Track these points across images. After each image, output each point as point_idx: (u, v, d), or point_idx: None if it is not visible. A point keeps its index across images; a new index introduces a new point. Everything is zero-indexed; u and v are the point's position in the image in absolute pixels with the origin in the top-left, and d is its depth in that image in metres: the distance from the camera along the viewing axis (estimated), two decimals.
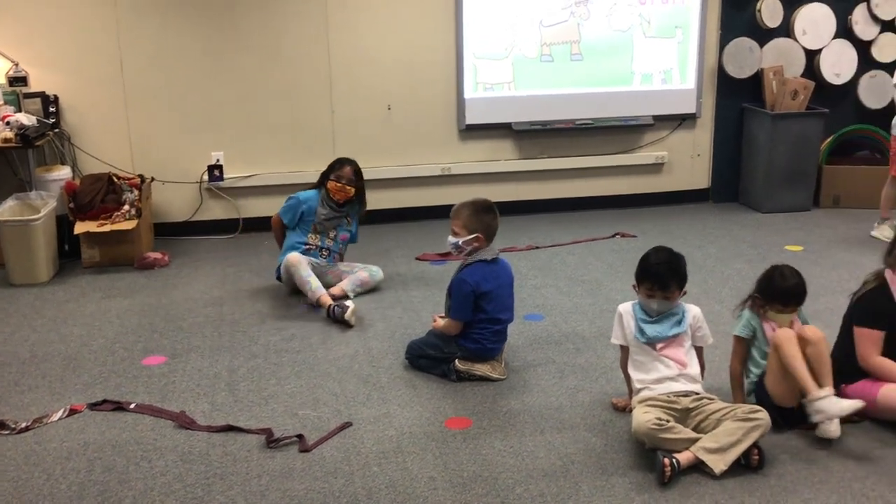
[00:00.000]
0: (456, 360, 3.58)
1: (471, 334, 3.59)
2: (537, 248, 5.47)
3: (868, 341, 3.17)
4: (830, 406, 2.96)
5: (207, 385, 3.60)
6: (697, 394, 3.04)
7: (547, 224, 5.98)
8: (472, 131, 6.03)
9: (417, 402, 3.42)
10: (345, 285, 4.57)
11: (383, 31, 5.74)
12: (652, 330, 3.09)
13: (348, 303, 4.26)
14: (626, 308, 3.19)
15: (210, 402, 3.45)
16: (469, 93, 5.93)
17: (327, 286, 4.49)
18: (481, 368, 3.59)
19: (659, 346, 3.08)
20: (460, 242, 3.65)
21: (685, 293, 3.16)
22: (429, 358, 3.66)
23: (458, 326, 3.61)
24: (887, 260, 3.25)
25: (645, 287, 3.11)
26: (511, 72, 5.94)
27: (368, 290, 4.64)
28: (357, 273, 4.66)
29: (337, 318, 4.19)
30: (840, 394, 3.10)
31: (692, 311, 3.17)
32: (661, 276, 3.08)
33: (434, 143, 5.99)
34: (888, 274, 3.23)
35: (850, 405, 2.95)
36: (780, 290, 3.19)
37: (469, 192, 5.88)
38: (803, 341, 3.08)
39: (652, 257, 3.14)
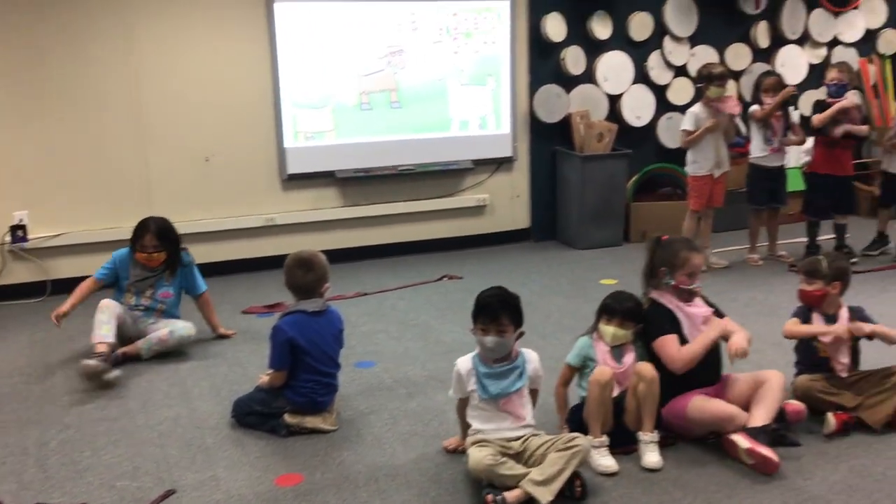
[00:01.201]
0: (285, 415, 3.49)
1: (299, 387, 3.52)
2: (366, 294, 5.47)
3: (669, 345, 3.35)
4: (597, 459, 3.14)
5: (14, 462, 3.33)
6: (524, 435, 3.10)
7: (375, 270, 6.00)
8: (296, 180, 5.98)
9: (246, 462, 3.31)
10: (141, 344, 4.34)
11: (197, 80, 5.62)
12: (495, 387, 3.09)
13: (115, 372, 4.04)
14: (465, 364, 3.17)
15: (18, 480, 3.19)
16: (290, 142, 5.89)
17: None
18: (312, 421, 3.52)
19: (502, 401, 3.11)
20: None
21: (522, 333, 3.20)
22: (256, 414, 3.55)
23: (281, 377, 3.54)
24: (652, 282, 3.51)
25: (479, 324, 3.12)
26: (331, 120, 5.96)
27: (172, 348, 4.39)
28: (158, 332, 4.40)
29: (93, 371, 3.96)
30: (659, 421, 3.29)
31: (532, 361, 3.21)
32: (492, 308, 3.10)
33: (256, 194, 5.90)
34: (654, 294, 3.47)
35: (606, 465, 3.13)
36: (604, 304, 3.40)
37: (295, 242, 5.85)
38: (638, 376, 3.24)
39: (485, 293, 3.19)
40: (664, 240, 3.57)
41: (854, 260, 5.71)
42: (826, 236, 5.97)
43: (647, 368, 3.26)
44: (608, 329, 3.37)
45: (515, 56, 6.32)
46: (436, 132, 6.25)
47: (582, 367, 3.41)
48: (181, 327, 4.46)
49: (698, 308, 3.45)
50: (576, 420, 3.33)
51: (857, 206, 6.57)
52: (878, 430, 3.37)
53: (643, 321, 3.41)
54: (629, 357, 3.38)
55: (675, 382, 3.35)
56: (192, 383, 4.09)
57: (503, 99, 6.38)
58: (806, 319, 3.65)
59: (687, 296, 3.45)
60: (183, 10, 5.54)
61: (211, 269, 5.65)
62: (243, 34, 5.69)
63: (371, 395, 3.91)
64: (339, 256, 6.06)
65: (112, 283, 4.49)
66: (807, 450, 3.26)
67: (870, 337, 3.56)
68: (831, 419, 3.37)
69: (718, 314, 3.50)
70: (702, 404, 3.28)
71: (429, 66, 6.12)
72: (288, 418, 3.49)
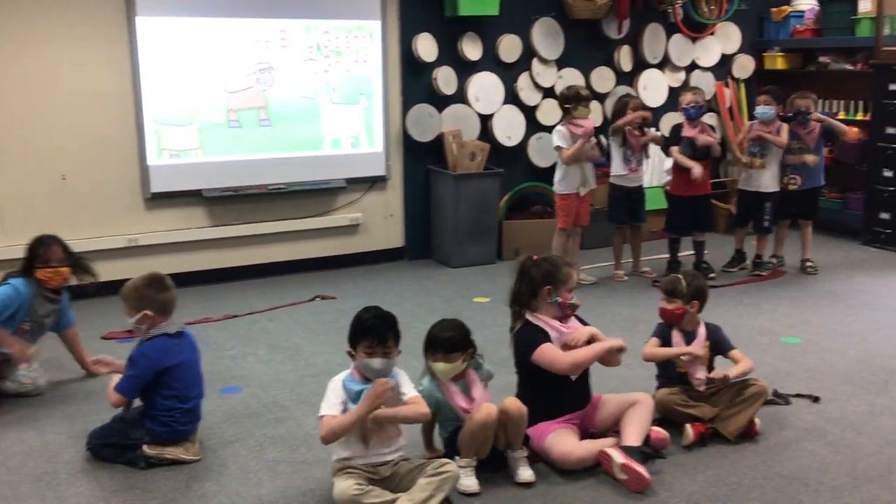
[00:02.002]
0: (144, 446, 3.34)
1: (159, 416, 3.37)
2: (235, 316, 5.32)
3: (549, 352, 3.36)
4: (463, 479, 3.12)
5: None
6: (394, 460, 3.06)
7: (245, 291, 5.86)
8: (160, 199, 5.78)
9: (101, 498, 3.14)
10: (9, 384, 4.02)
11: (53, 95, 5.37)
12: None
13: None
14: (338, 383, 3.08)
15: None
16: (153, 160, 5.70)
17: None
18: (173, 451, 3.38)
19: (372, 424, 3.03)
20: (133, 323, 3.44)
21: (400, 352, 3.16)
22: (113, 446, 3.38)
23: (119, 400, 3.39)
24: (531, 303, 3.48)
25: (364, 346, 3.04)
26: (197, 138, 5.80)
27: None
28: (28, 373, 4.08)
29: None
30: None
31: (401, 376, 3.16)
32: (379, 330, 3.04)
33: (117, 213, 5.66)
34: (529, 315, 3.48)
35: (467, 485, 3.13)
36: (427, 339, 3.30)
37: (159, 263, 5.64)
38: (504, 413, 3.21)
39: (365, 314, 3.11)
40: (536, 259, 3.55)
41: (712, 275, 5.97)
42: (687, 252, 6.21)
43: (514, 406, 3.22)
44: (437, 367, 3.26)
45: (388, 75, 6.33)
46: (307, 150, 6.18)
47: (436, 412, 3.29)
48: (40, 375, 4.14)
49: (571, 328, 3.47)
50: (448, 448, 3.30)
51: (715, 223, 6.87)
52: (732, 440, 3.50)
53: (471, 346, 3.32)
54: (478, 389, 3.31)
55: (544, 405, 3.37)
56: (45, 414, 3.86)
57: (376, 118, 6.37)
58: (666, 337, 3.74)
59: (569, 312, 3.48)
60: (39, 21, 5.28)
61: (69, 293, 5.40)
62: (103, 48, 5.47)
63: (237, 422, 3.80)
64: (207, 278, 5.94)
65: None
66: (667, 462, 3.35)
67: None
68: (689, 431, 3.49)
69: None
70: (554, 441, 3.31)
71: (299, 83, 6.05)
72: (147, 450, 3.34)
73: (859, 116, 7.04)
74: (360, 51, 6.21)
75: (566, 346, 3.42)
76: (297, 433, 3.68)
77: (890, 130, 6.54)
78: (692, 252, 6.16)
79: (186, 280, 5.88)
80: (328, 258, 6.41)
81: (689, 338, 3.73)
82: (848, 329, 4.89)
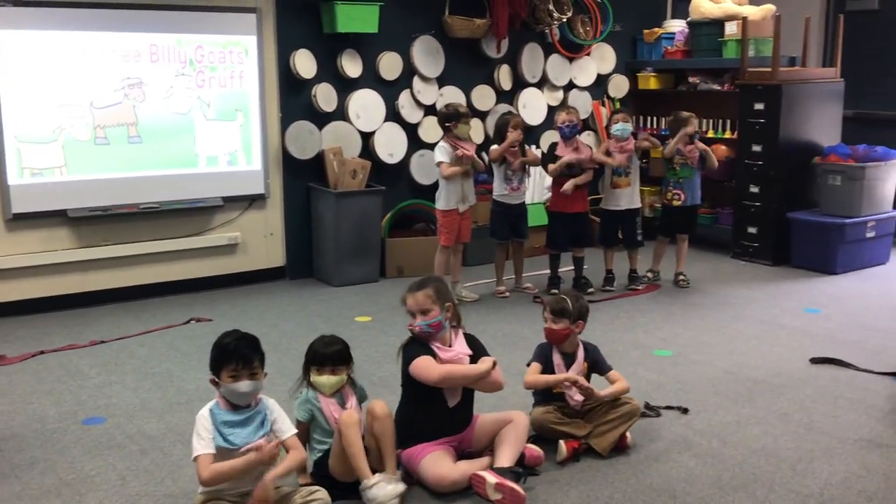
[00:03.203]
0: None
1: None
2: (102, 342, 5.08)
3: (424, 361, 3.32)
4: (378, 493, 3.08)
5: None
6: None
7: (115, 315, 5.62)
8: (22, 220, 5.49)
9: None
10: None
11: None
12: (237, 437, 2.91)
13: None
14: (205, 415, 2.94)
15: None
16: (14, 179, 5.40)
17: None
18: None
19: (237, 452, 2.91)
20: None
21: (266, 374, 3.06)
22: None
23: None
24: None
25: (228, 370, 2.92)
26: (62, 156, 5.54)
27: None
28: None
29: None
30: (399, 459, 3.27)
31: (273, 409, 3.05)
32: (243, 352, 2.93)
33: None
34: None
35: (393, 490, 3.09)
36: (312, 353, 3.27)
37: (22, 287, 5.38)
38: (370, 416, 3.19)
39: (226, 338, 2.99)
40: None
41: (591, 290, 6.08)
42: (567, 268, 6.31)
43: (379, 406, 3.22)
44: (323, 381, 3.23)
45: (265, 92, 6.21)
46: (181, 168, 5.99)
47: (310, 420, 3.26)
48: None
49: (449, 352, 3.42)
50: (317, 473, 3.22)
51: (594, 239, 7.00)
52: (605, 455, 3.55)
53: (352, 360, 3.33)
54: (352, 401, 3.28)
55: (423, 427, 3.34)
56: None
57: (253, 135, 6.24)
58: (547, 360, 3.75)
59: (427, 336, 3.43)
60: None
61: None
62: None
63: (98, 455, 3.60)
64: (73, 302, 5.68)
65: None
66: (541, 479, 3.37)
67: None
68: (563, 447, 3.51)
69: (478, 354, 3.49)
70: (429, 464, 3.27)
71: (172, 99, 5.86)
72: None
73: (727, 135, 7.34)
74: (236, 66, 6.07)
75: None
76: (162, 465, 3.52)
77: (755, 148, 6.83)
78: (572, 267, 6.27)
79: (51, 305, 5.64)
80: (205, 279, 6.22)
81: (569, 359, 3.75)
82: (716, 341, 5.06)
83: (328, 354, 3.25)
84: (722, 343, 5.02)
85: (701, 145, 6.21)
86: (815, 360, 4.67)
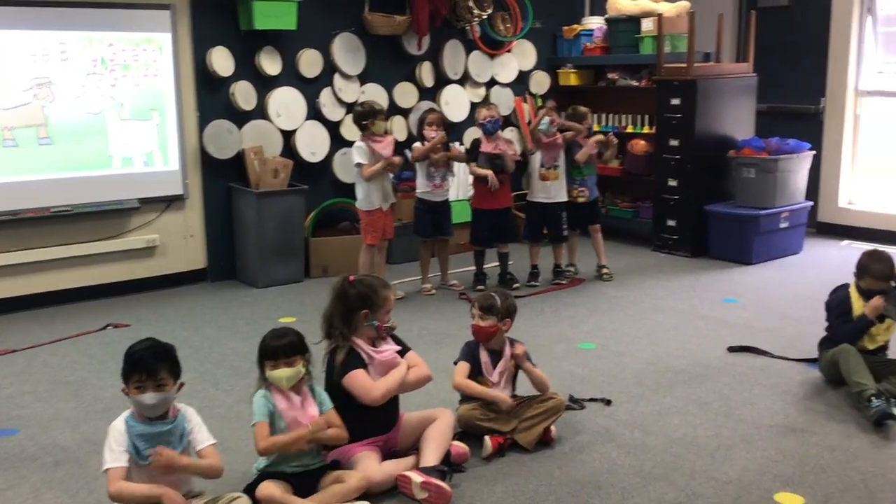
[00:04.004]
0: None
1: None
2: (13, 351, 4.90)
3: (362, 380, 3.30)
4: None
5: None
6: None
7: (26, 323, 5.42)
8: None
9: None
10: None
11: None
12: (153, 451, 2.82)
13: None
14: (119, 427, 2.85)
15: None
16: None
17: None
18: None
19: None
20: None
21: (182, 385, 2.97)
22: None
23: None
24: (349, 327, 3.41)
25: (133, 381, 2.83)
26: None
27: None
28: None
29: None
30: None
31: (192, 419, 2.96)
32: (148, 362, 2.82)
33: None
34: (354, 341, 3.41)
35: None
36: (263, 347, 3.17)
37: None
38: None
39: (134, 346, 2.90)
40: (353, 280, 3.46)
41: (516, 286, 6.12)
42: (492, 264, 6.33)
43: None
44: (279, 374, 3.13)
45: (181, 90, 6.07)
46: (95, 170, 5.81)
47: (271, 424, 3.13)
48: None
49: (383, 352, 3.41)
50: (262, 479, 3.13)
51: (518, 234, 7.05)
52: (530, 449, 3.57)
53: (308, 350, 3.23)
54: (311, 405, 3.19)
55: (350, 428, 3.27)
56: None
57: (170, 134, 6.09)
58: (474, 358, 3.73)
59: (385, 335, 3.42)
60: None
61: None
62: None
63: (10, 468, 3.47)
64: None
65: None
66: (467, 475, 3.37)
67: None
68: (488, 442, 3.52)
69: (404, 349, 3.51)
70: (355, 464, 3.26)
71: (83, 99, 5.68)
72: None
73: (646, 129, 7.47)
74: (150, 64, 5.92)
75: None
76: (78, 476, 3.41)
77: (673, 142, 6.96)
78: (497, 263, 6.29)
79: None
80: (122, 283, 6.05)
81: (496, 357, 3.76)
82: (638, 332, 5.14)
83: (281, 347, 3.13)
84: (644, 334, 5.10)
85: (598, 138, 6.35)
86: (732, 349, 4.78)
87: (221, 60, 6.16)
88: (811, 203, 7.15)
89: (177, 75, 6.03)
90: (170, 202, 6.20)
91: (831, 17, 7.43)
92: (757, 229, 6.65)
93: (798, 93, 7.73)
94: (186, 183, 6.22)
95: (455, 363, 3.78)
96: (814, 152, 7.05)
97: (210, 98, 6.22)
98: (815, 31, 7.55)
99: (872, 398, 3.75)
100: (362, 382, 3.30)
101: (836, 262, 6.58)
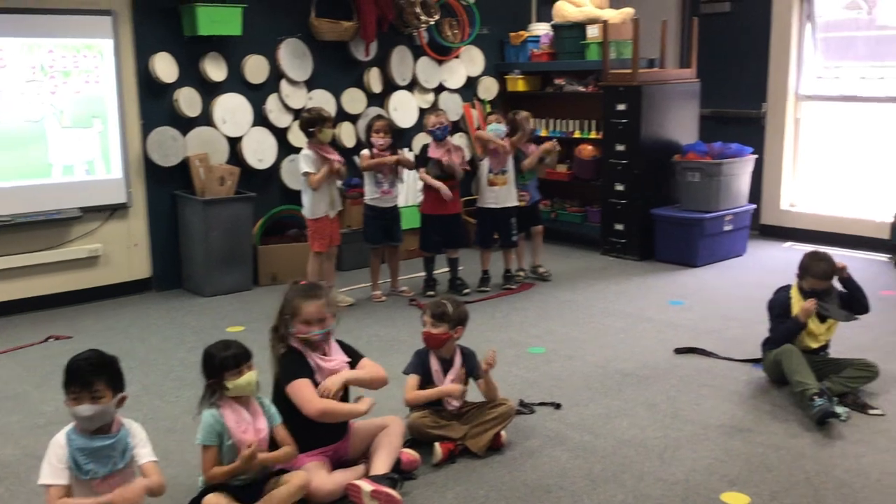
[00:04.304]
0: None
1: None
2: None
3: (304, 389, 3.25)
4: None
5: None
6: None
7: None
8: None
9: None
10: None
11: None
12: (93, 466, 2.74)
13: None
14: (59, 441, 2.76)
15: None
16: None
17: None
18: None
19: (96, 483, 2.75)
20: None
21: (124, 398, 2.89)
22: None
23: None
24: (283, 331, 3.39)
25: (69, 393, 2.75)
26: None
27: None
28: None
29: None
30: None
31: (136, 434, 2.88)
32: (84, 373, 2.74)
33: None
34: (292, 342, 3.38)
35: None
36: (220, 360, 3.08)
37: None
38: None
39: (74, 357, 2.81)
40: (292, 285, 3.45)
41: (466, 291, 6.13)
42: (442, 270, 6.33)
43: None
44: (247, 379, 3.06)
45: (123, 97, 5.96)
46: (34, 179, 5.68)
47: (220, 445, 3.06)
48: None
49: (331, 361, 3.37)
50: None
51: (468, 240, 7.07)
52: (481, 455, 3.57)
53: (251, 354, 3.17)
54: (261, 420, 3.13)
55: (298, 438, 3.23)
56: None
57: (112, 142, 5.97)
58: (424, 367, 3.72)
59: (311, 345, 3.37)
60: None
61: None
62: None
63: None
64: None
65: None
66: (417, 483, 3.36)
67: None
68: (438, 449, 3.52)
69: (355, 359, 3.46)
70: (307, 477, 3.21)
71: (21, 106, 5.55)
72: None
73: (593, 135, 7.55)
74: (91, 71, 5.80)
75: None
76: (18, 493, 3.33)
77: (619, 147, 7.04)
78: (447, 269, 6.29)
79: None
80: (65, 294, 5.92)
81: (447, 365, 3.75)
82: (587, 336, 5.18)
83: (237, 354, 3.08)
84: (592, 338, 5.15)
85: (545, 146, 6.40)
86: (679, 351, 4.85)
87: (165, 66, 6.06)
88: (754, 206, 7.29)
89: (119, 82, 5.93)
90: (113, 211, 6.08)
91: (772, 23, 7.60)
92: (702, 232, 6.75)
93: (740, 98, 7.88)
94: (130, 191, 6.11)
95: (405, 373, 3.76)
96: (756, 156, 7.19)
97: (153, 105, 6.12)
98: (756, 37, 7.71)
99: (815, 397, 3.83)
100: (304, 393, 3.25)
101: (779, 263, 6.71)
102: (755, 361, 4.57)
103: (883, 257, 6.93)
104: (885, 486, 3.28)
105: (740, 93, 7.88)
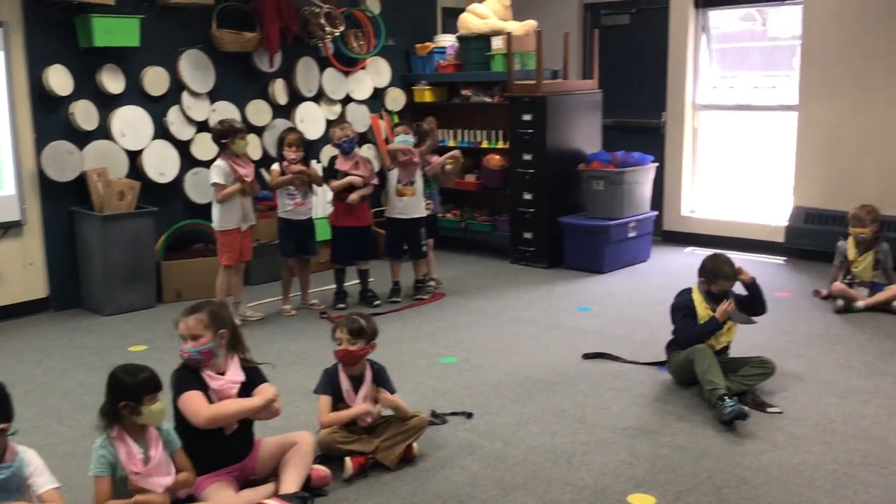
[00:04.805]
0: None
1: None
2: None
3: (193, 400, 3.16)
4: None
5: None
6: None
7: None
8: None
9: None
10: None
11: None
12: None
13: None
14: None
15: None
16: None
17: None
18: None
19: None
20: None
21: (14, 432, 2.76)
22: None
23: None
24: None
25: None
26: None
27: None
28: None
29: None
30: None
31: (31, 462, 2.75)
32: None
33: None
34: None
35: None
36: (128, 386, 2.94)
37: None
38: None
39: None
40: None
41: (377, 303, 6.10)
42: (353, 282, 6.29)
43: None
44: (152, 409, 2.94)
45: (15, 111, 5.73)
46: None
47: (113, 475, 2.93)
48: None
49: (218, 381, 3.25)
50: None
51: (379, 251, 7.05)
52: (393, 468, 3.54)
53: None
54: (156, 451, 3.00)
55: (200, 458, 3.16)
56: None
57: (4, 157, 5.73)
58: (334, 386, 3.67)
59: (195, 364, 3.25)
60: None
61: None
62: None
63: None
64: None
65: None
66: (328, 499, 3.33)
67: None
68: (349, 464, 3.48)
69: (256, 381, 3.36)
70: (209, 496, 3.14)
71: None
72: None
73: (500, 144, 7.62)
74: None
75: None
76: None
77: (526, 157, 7.14)
78: (358, 281, 6.25)
79: None
80: None
81: (357, 383, 3.71)
82: (498, 344, 5.22)
83: (146, 382, 2.95)
84: (503, 346, 5.18)
85: (452, 154, 6.48)
86: (587, 356, 4.93)
87: (59, 79, 5.85)
88: (656, 213, 7.48)
89: (10, 95, 5.69)
90: (6, 229, 5.83)
91: (669, 35, 7.83)
92: (608, 239, 6.90)
93: (641, 108, 8.10)
94: (24, 208, 5.87)
95: (315, 393, 3.70)
96: (657, 164, 7.39)
97: (47, 118, 5.90)
98: (654, 48, 7.94)
99: (725, 398, 3.93)
100: (192, 403, 3.15)
101: (681, 267, 6.91)
102: (660, 364, 4.68)
103: (778, 259, 7.21)
104: (783, 482, 3.40)
105: (641, 103, 8.10)
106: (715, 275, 4.33)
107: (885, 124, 6.72)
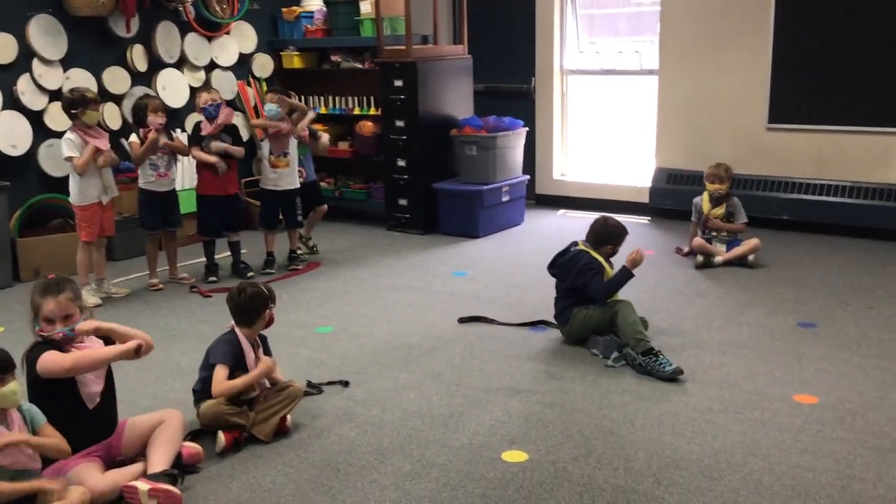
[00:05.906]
0: None
1: None
2: None
3: (49, 356, 3.04)
4: None
5: None
6: None
7: None
8: None
9: None
10: None
11: None
12: None
13: None
14: None
15: None
16: None
17: None
18: None
19: None
20: None
21: None
22: None
23: None
24: None
25: None
26: None
27: None
28: None
29: None
30: None
31: None
32: None
33: None
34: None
35: None
36: None
37: None
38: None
39: None
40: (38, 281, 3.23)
41: (250, 274, 5.98)
42: (224, 254, 6.14)
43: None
44: (5, 391, 2.81)
45: None
46: None
47: None
48: None
49: (85, 346, 3.14)
50: None
51: (250, 221, 6.90)
52: (268, 441, 3.50)
53: (14, 367, 2.92)
54: (17, 425, 2.89)
55: (65, 437, 3.02)
56: None
57: None
58: (236, 355, 3.61)
59: (57, 346, 3.10)
60: None
61: None
62: None
63: None
64: None
65: None
66: (200, 475, 3.26)
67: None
68: (222, 438, 3.42)
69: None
70: (74, 478, 3.01)
71: None
72: None
73: (372, 111, 7.56)
74: None
75: None
76: None
77: (399, 123, 7.10)
78: (229, 253, 6.11)
79: None
80: None
81: (255, 345, 3.72)
82: (375, 312, 5.21)
83: (1, 359, 2.83)
84: (380, 313, 5.18)
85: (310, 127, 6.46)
86: (462, 320, 4.98)
87: None
88: (528, 177, 7.60)
89: None
90: None
91: (536, 0, 7.91)
92: (481, 204, 6.97)
93: (511, 73, 8.18)
94: None
95: (212, 363, 3.59)
96: (528, 129, 7.50)
97: None
98: (522, 14, 8.01)
99: (659, 354, 4.10)
100: (52, 358, 3.03)
101: (554, 230, 7.06)
102: (534, 324, 4.80)
103: (643, 219, 7.47)
104: (647, 431, 3.55)
105: (511, 68, 8.17)
106: (616, 237, 4.58)
107: (738, 88, 7.03)
